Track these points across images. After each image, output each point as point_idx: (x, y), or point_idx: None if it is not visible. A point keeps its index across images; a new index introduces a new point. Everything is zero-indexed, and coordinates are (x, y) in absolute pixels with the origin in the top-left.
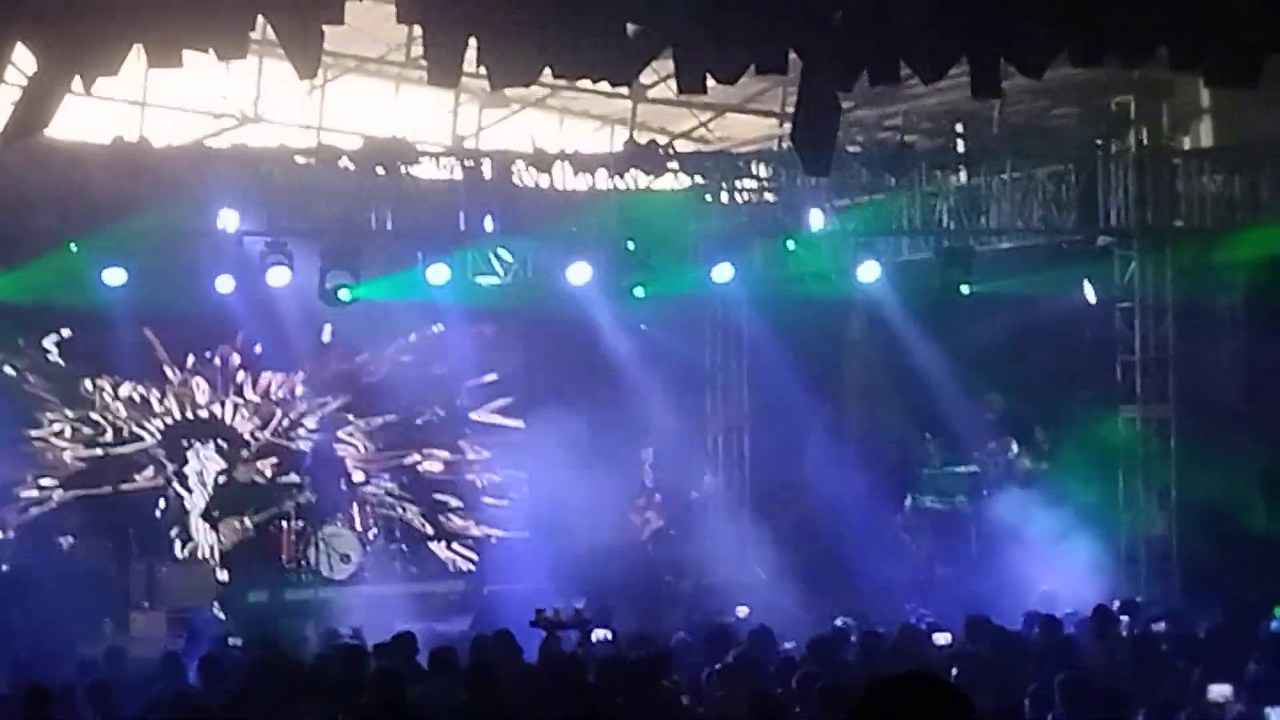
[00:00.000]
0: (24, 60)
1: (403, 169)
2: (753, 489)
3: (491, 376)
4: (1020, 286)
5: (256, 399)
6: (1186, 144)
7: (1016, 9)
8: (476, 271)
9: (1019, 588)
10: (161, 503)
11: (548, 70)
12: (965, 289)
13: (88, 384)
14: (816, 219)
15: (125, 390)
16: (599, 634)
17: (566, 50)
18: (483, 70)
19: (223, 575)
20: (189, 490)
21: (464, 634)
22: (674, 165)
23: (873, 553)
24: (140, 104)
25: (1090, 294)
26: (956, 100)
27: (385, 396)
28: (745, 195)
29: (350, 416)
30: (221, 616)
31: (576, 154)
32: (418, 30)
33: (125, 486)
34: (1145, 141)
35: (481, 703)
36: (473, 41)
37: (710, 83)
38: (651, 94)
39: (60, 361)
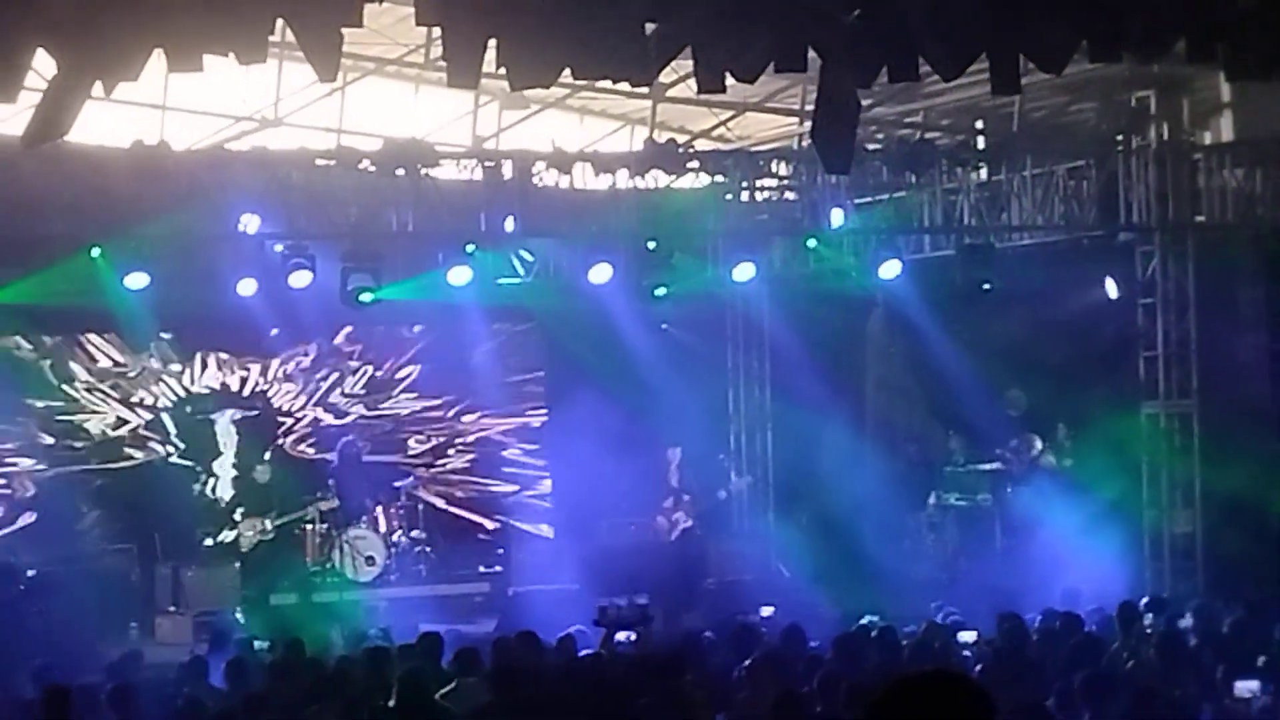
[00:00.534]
0: (44, 65)
1: (423, 171)
2: (775, 487)
3: (521, 377)
4: (1041, 283)
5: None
6: (1207, 139)
7: (1036, 5)
8: (498, 273)
9: (1043, 585)
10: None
11: (567, 71)
12: (986, 286)
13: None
14: (837, 217)
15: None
16: (622, 635)
17: (586, 51)
18: (502, 71)
19: (245, 577)
20: (215, 477)
21: (489, 635)
22: (694, 164)
23: (896, 550)
24: (160, 107)
25: (1112, 290)
26: (976, 97)
27: (407, 398)
28: (765, 194)
29: (374, 417)
30: (246, 620)
31: (597, 154)
32: (437, 32)
33: (140, 456)
34: (1166, 136)
35: (506, 704)
36: (492, 43)
37: (730, 81)
38: (671, 93)
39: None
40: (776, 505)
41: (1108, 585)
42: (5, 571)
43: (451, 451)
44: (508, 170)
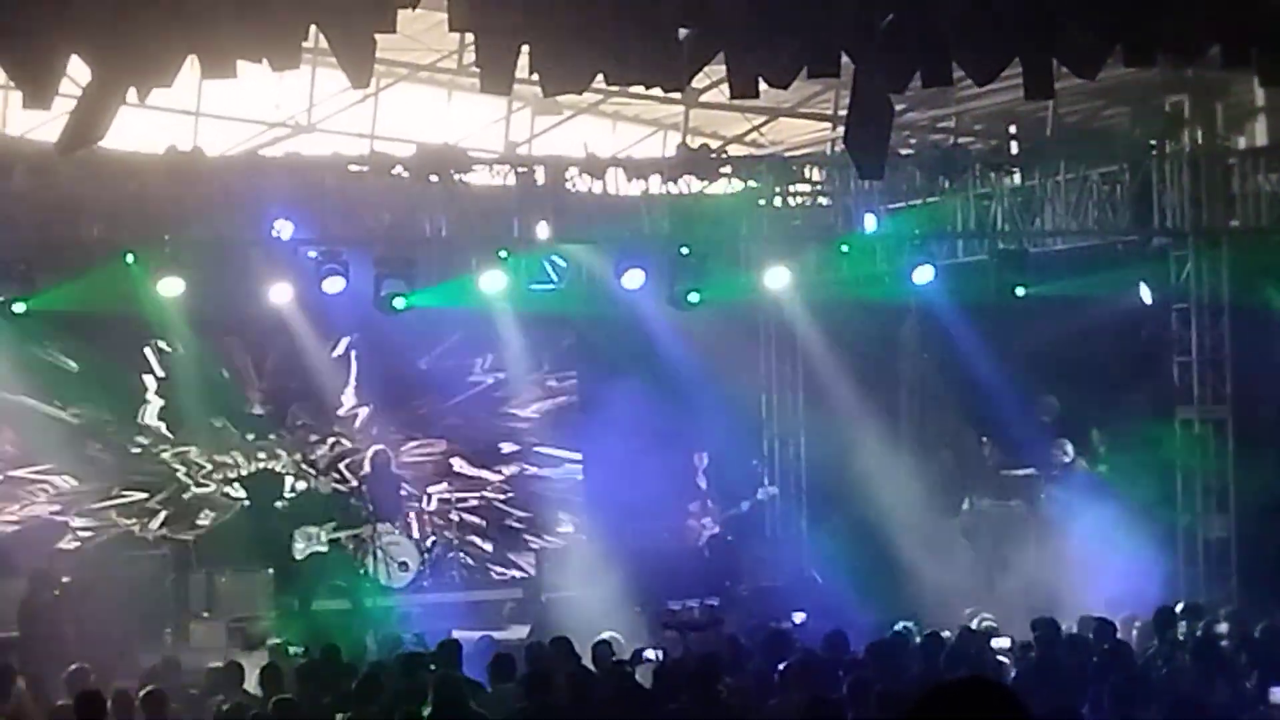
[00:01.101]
0: (79, 72)
1: (456, 176)
2: (809, 493)
3: (554, 382)
4: (1075, 288)
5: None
6: (1241, 143)
7: (1069, 10)
8: (531, 278)
9: (1077, 591)
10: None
11: (600, 76)
12: (1020, 291)
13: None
14: (870, 222)
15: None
16: (650, 654)
17: (618, 56)
18: (535, 77)
19: (287, 583)
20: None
21: (523, 641)
22: (727, 170)
23: (930, 556)
24: (194, 114)
25: (1146, 295)
26: (1009, 102)
27: (442, 405)
28: (798, 199)
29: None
30: (280, 626)
31: (629, 159)
32: (470, 38)
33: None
34: (1200, 141)
35: (539, 710)
36: (525, 49)
37: (763, 86)
38: (704, 99)
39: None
40: (810, 511)
41: (1142, 591)
42: (40, 577)
43: (483, 456)
44: (540, 176)
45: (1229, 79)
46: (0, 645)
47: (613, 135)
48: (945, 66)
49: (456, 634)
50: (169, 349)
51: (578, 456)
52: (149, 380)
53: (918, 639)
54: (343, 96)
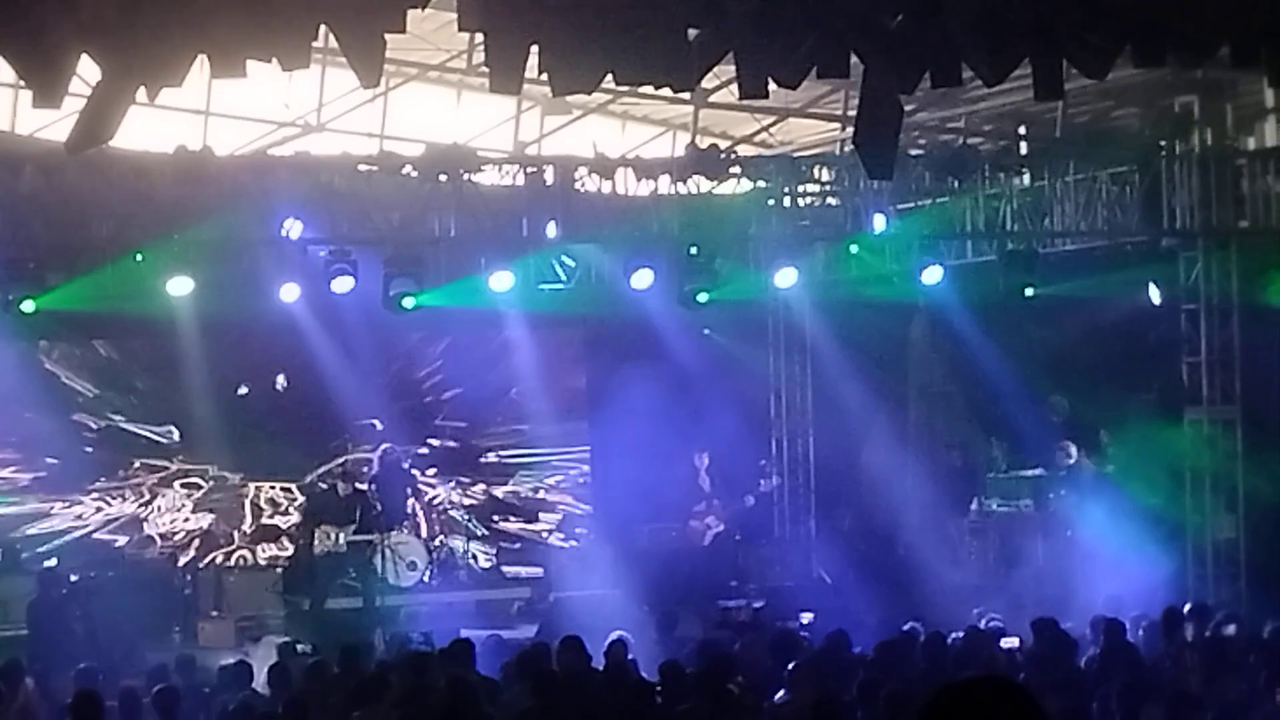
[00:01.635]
0: (88, 71)
1: (465, 176)
2: (817, 492)
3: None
4: (1084, 289)
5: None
6: (1251, 144)
7: (1079, 10)
8: (540, 278)
9: (1085, 591)
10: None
11: (609, 76)
12: (1029, 291)
13: None
14: (879, 222)
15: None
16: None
17: (628, 56)
18: (544, 77)
19: (300, 583)
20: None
21: (530, 641)
22: (736, 170)
23: (938, 557)
24: (203, 113)
25: (1155, 296)
26: (1019, 102)
27: (451, 404)
28: (807, 199)
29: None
30: (289, 624)
31: (639, 159)
32: (479, 37)
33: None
34: (1209, 142)
35: (548, 710)
36: (534, 49)
37: (772, 87)
38: (713, 99)
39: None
40: (818, 511)
41: (1151, 591)
42: (49, 576)
43: (492, 456)
44: (550, 176)
45: (1239, 79)
46: (9, 643)
47: (622, 135)
48: (955, 67)
49: (464, 633)
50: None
51: (586, 455)
52: (153, 378)
53: (925, 640)
54: (352, 96)
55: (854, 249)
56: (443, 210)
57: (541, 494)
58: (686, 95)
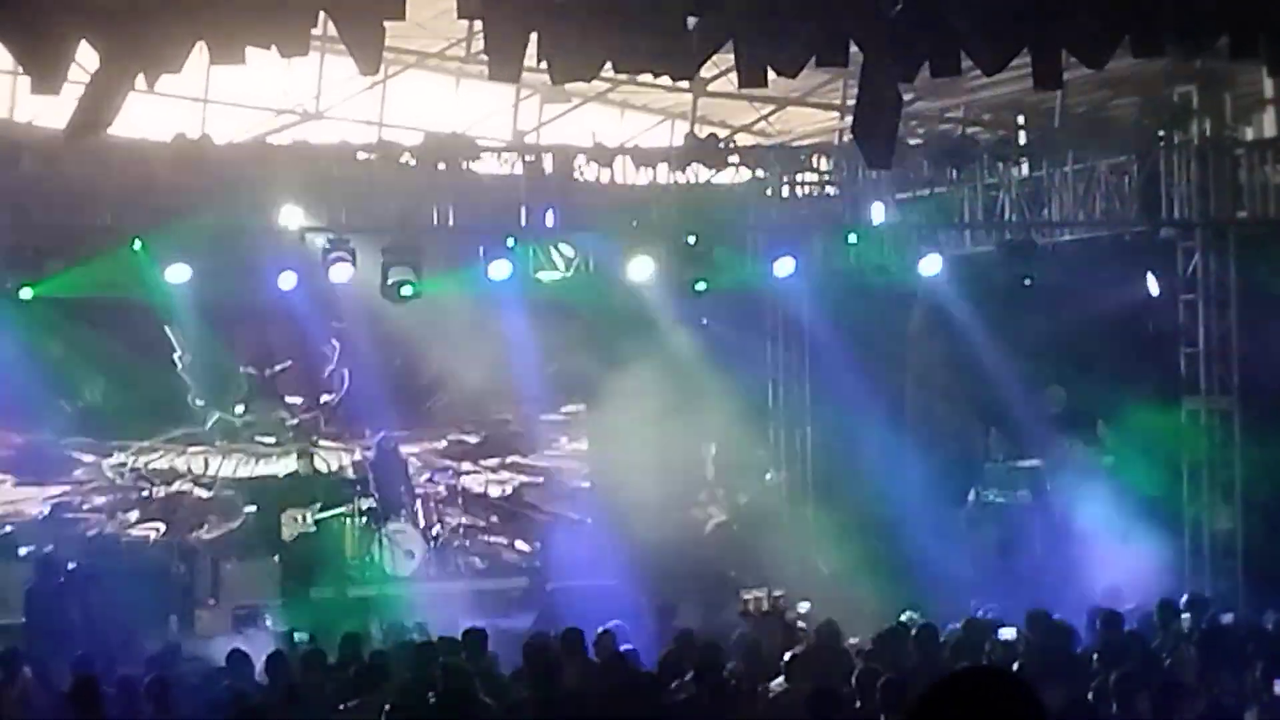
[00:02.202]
0: (87, 58)
1: (464, 164)
2: (814, 483)
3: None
4: (1082, 279)
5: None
6: (1249, 134)
7: (1077, 1)
8: (538, 267)
9: (1083, 582)
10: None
11: (608, 65)
12: (1027, 281)
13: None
14: (878, 212)
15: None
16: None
17: (627, 45)
18: (543, 65)
19: (285, 570)
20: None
21: (527, 630)
22: (735, 159)
23: (936, 547)
24: (202, 101)
25: (1153, 286)
26: (1018, 92)
27: (449, 393)
28: (806, 189)
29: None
30: (285, 613)
31: (637, 148)
32: (478, 25)
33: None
34: (1208, 132)
35: (543, 699)
36: (533, 37)
37: (771, 76)
38: (712, 88)
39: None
40: (815, 501)
41: (1148, 582)
42: (46, 563)
43: (489, 445)
44: (548, 164)
45: (1237, 70)
46: (7, 631)
47: (621, 124)
48: (954, 56)
49: (462, 623)
50: (174, 335)
51: (584, 445)
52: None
53: (918, 630)
54: (351, 84)
55: (853, 238)
56: (441, 198)
57: (539, 483)
58: (685, 84)
